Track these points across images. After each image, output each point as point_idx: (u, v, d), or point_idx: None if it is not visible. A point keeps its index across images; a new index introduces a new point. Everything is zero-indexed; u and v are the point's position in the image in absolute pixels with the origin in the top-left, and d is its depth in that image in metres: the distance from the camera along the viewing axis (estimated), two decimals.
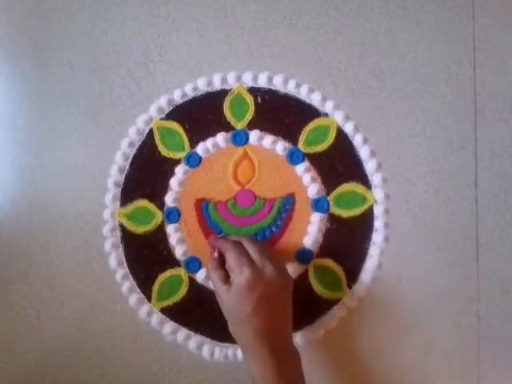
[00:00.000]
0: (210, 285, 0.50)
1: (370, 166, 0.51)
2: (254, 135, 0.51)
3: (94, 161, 0.51)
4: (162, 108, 0.51)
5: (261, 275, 0.43)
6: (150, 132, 0.51)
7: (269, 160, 0.51)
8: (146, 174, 0.51)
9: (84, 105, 0.51)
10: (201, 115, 0.51)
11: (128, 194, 0.51)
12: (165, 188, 0.51)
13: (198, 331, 0.51)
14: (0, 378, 0.51)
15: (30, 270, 0.51)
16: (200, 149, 0.51)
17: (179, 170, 0.51)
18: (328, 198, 0.51)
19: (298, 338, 0.50)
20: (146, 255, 0.51)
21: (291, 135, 0.51)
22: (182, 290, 0.51)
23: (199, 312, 0.51)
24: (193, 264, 0.51)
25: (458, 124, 0.51)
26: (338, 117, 0.51)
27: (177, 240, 0.51)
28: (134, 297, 0.51)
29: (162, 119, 0.51)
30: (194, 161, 0.51)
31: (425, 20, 0.51)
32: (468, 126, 0.51)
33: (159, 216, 0.51)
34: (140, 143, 0.51)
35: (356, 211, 0.51)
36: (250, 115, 0.51)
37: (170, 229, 0.51)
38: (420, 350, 0.51)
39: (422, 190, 0.51)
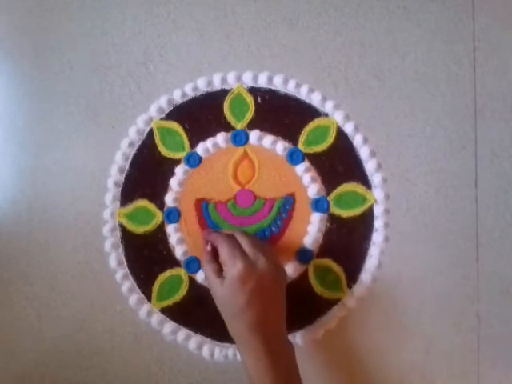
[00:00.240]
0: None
1: (370, 166, 0.51)
2: (253, 135, 0.51)
3: (93, 161, 0.51)
4: (162, 108, 0.51)
5: (254, 268, 0.43)
6: (150, 132, 0.51)
7: (269, 160, 0.51)
8: (146, 174, 0.51)
9: (84, 105, 0.51)
10: (201, 115, 0.51)
11: (128, 193, 0.51)
12: (165, 188, 0.51)
13: (198, 331, 0.51)
14: (0, 378, 0.51)
15: (30, 270, 0.51)
16: (200, 149, 0.51)
17: (179, 170, 0.51)
18: (328, 198, 0.51)
19: (298, 338, 0.50)
20: (146, 255, 0.51)
21: (291, 135, 0.51)
22: (182, 290, 0.51)
23: (199, 312, 0.51)
24: (193, 264, 0.51)
25: (458, 124, 0.51)
26: (337, 117, 0.51)
27: (177, 240, 0.51)
28: (134, 297, 0.51)
29: (161, 119, 0.51)
30: (193, 161, 0.51)
31: (425, 20, 0.51)
32: (468, 125, 0.51)
33: (159, 216, 0.51)
34: (140, 143, 0.51)
35: (356, 211, 0.51)
36: (250, 115, 0.51)
37: (170, 229, 0.51)
38: (420, 350, 0.51)
39: (422, 190, 0.51)
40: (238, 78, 0.51)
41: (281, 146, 0.51)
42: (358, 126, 0.51)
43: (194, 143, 0.51)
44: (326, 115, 0.51)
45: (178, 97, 0.51)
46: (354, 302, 0.51)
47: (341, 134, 0.51)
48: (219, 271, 0.45)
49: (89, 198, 0.51)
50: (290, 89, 0.51)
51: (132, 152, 0.51)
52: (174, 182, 0.51)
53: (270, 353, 0.42)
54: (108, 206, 0.51)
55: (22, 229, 0.51)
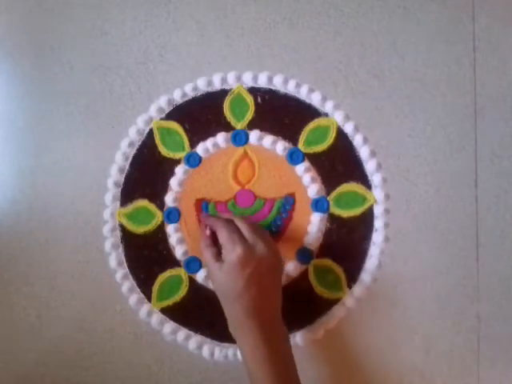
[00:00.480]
0: (210, 285, 0.50)
1: (370, 166, 0.51)
2: (253, 135, 0.51)
3: (93, 161, 0.51)
4: (162, 108, 0.51)
5: (252, 252, 0.43)
6: (150, 132, 0.51)
7: (269, 160, 0.51)
8: (146, 174, 0.51)
9: (84, 105, 0.51)
10: (201, 115, 0.51)
11: (128, 194, 0.51)
12: (165, 188, 0.51)
13: (198, 331, 0.51)
14: (0, 378, 0.51)
15: (30, 270, 0.51)
16: (200, 149, 0.51)
17: (179, 169, 0.51)
18: (328, 198, 0.51)
19: (298, 338, 0.50)
20: (146, 255, 0.51)
21: (291, 135, 0.51)
22: (182, 290, 0.51)
23: (199, 312, 0.51)
24: (193, 264, 0.51)
25: (457, 124, 0.51)
26: (338, 117, 0.51)
27: (177, 240, 0.51)
28: (134, 297, 0.51)
29: (161, 119, 0.51)
30: (193, 161, 0.51)
31: (425, 20, 0.51)
32: (468, 125, 0.51)
33: (159, 216, 0.51)
34: (140, 143, 0.51)
35: (356, 211, 0.51)
36: (250, 115, 0.51)
37: (170, 229, 0.51)
38: (420, 350, 0.51)
39: (422, 190, 0.51)
40: (238, 78, 0.51)
41: (281, 146, 0.51)
42: (358, 126, 0.51)
43: (194, 143, 0.51)
44: (326, 115, 0.51)
45: (177, 97, 0.51)
46: (353, 301, 0.51)
47: (341, 134, 0.51)
48: (218, 255, 0.45)
49: (89, 198, 0.51)
50: (290, 89, 0.51)
51: (132, 152, 0.51)
52: (173, 182, 0.51)
53: (265, 336, 0.42)
54: (108, 206, 0.51)
55: (21, 229, 0.51)
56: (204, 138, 0.51)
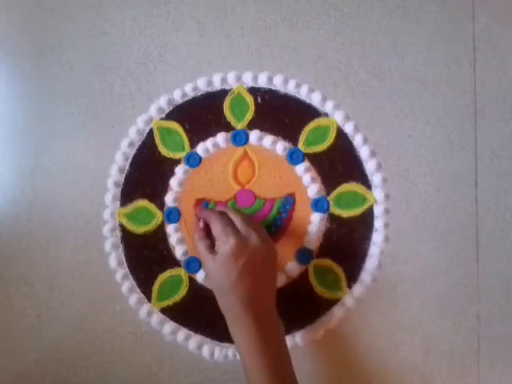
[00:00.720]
0: (209, 285, 0.50)
1: (370, 166, 0.51)
2: (253, 135, 0.51)
3: (93, 161, 0.51)
4: (162, 108, 0.51)
5: (246, 244, 0.44)
6: (150, 132, 0.51)
7: (269, 160, 0.51)
8: (146, 174, 0.51)
9: (84, 105, 0.51)
10: (201, 115, 0.51)
11: (128, 194, 0.51)
12: (165, 188, 0.51)
13: (198, 331, 0.51)
14: (0, 378, 0.51)
15: (30, 270, 0.51)
16: (200, 149, 0.51)
17: (179, 169, 0.51)
18: (328, 198, 0.51)
19: (298, 338, 0.50)
20: (146, 255, 0.51)
21: (291, 135, 0.51)
22: (182, 290, 0.51)
23: (199, 312, 0.51)
24: (193, 264, 0.51)
25: (457, 124, 0.51)
26: (338, 117, 0.51)
27: (177, 240, 0.51)
28: (134, 297, 0.51)
29: (162, 119, 0.51)
30: (193, 161, 0.51)
31: (425, 20, 0.51)
32: (468, 125, 0.51)
33: (159, 216, 0.51)
34: (140, 143, 0.51)
35: (356, 211, 0.51)
36: (250, 115, 0.51)
37: (170, 229, 0.51)
38: (420, 350, 0.51)
39: (422, 190, 0.51)
40: (238, 78, 0.51)
41: (281, 146, 0.51)
42: (358, 126, 0.51)
43: (194, 143, 0.51)
44: (326, 115, 0.51)
45: (177, 97, 0.51)
46: (353, 301, 0.51)
47: (341, 134, 0.51)
48: (211, 247, 0.45)
49: (89, 198, 0.51)
50: (290, 89, 0.51)
51: (132, 152, 0.51)
52: (173, 182, 0.51)
53: (260, 327, 0.42)
54: (108, 205, 0.51)
55: (21, 229, 0.51)
56: (204, 138, 0.51)
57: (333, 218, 0.51)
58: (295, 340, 0.50)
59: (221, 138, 0.51)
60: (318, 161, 0.51)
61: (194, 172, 0.51)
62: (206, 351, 0.50)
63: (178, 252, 0.51)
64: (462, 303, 0.51)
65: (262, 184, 0.51)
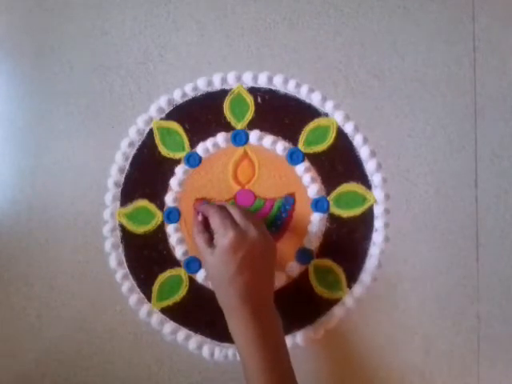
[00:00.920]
0: (210, 285, 0.50)
1: (370, 165, 0.51)
2: (253, 135, 0.51)
3: (93, 161, 0.51)
4: (162, 108, 0.51)
5: (244, 237, 0.43)
6: (150, 132, 0.51)
7: (269, 160, 0.51)
8: (146, 174, 0.51)
9: (84, 105, 0.51)
10: (201, 115, 0.51)
11: (128, 194, 0.51)
12: (165, 188, 0.51)
13: (198, 331, 0.51)
14: (0, 378, 0.51)
15: (30, 270, 0.51)
16: (200, 149, 0.51)
17: (179, 169, 0.51)
18: (328, 198, 0.51)
19: (298, 338, 0.50)
20: (146, 255, 0.51)
21: (291, 135, 0.51)
22: (182, 290, 0.51)
23: (199, 312, 0.51)
24: (193, 264, 0.51)
25: (457, 124, 0.51)
26: (338, 117, 0.51)
27: (177, 240, 0.51)
28: (134, 297, 0.51)
29: (162, 119, 0.51)
30: (193, 161, 0.51)
31: (425, 20, 0.51)
32: (468, 125, 0.51)
33: (159, 216, 0.51)
34: (140, 143, 0.51)
35: (356, 211, 0.51)
36: (250, 115, 0.51)
37: (170, 229, 0.51)
38: (420, 350, 0.51)
39: (422, 190, 0.51)
40: (238, 78, 0.51)
41: (281, 146, 0.51)
42: (358, 126, 0.51)
43: (194, 143, 0.51)
44: (326, 115, 0.51)
45: (177, 97, 0.51)
46: (353, 301, 0.51)
47: (341, 134, 0.51)
48: (210, 240, 0.45)
49: (89, 198, 0.51)
50: (290, 89, 0.51)
51: (132, 152, 0.51)
52: (173, 182, 0.51)
53: (258, 321, 0.42)
54: (108, 205, 0.51)
55: (21, 229, 0.51)
56: (204, 138, 0.51)
57: (333, 218, 0.51)
58: (295, 340, 0.50)
59: (221, 138, 0.51)
60: (318, 161, 0.51)
61: (194, 172, 0.51)
62: (206, 351, 0.50)
63: (178, 252, 0.51)
64: (462, 303, 0.51)
65: (262, 184, 0.51)
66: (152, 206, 0.51)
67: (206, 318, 0.50)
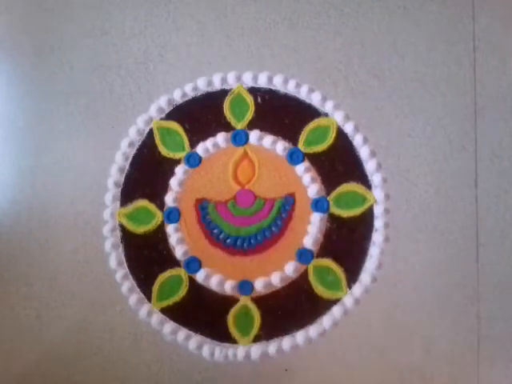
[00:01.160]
0: (210, 284, 0.50)
1: (370, 166, 0.51)
2: (253, 135, 0.51)
3: (93, 161, 0.51)
4: (162, 108, 0.51)
5: None
6: (150, 132, 0.51)
7: (269, 160, 0.51)
8: (146, 174, 0.51)
9: (84, 105, 0.51)
10: (201, 115, 0.51)
11: (128, 194, 0.51)
12: (165, 188, 0.51)
13: (198, 331, 0.51)
14: (0, 378, 0.51)
15: (30, 270, 0.51)
16: (200, 149, 0.51)
17: (179, 169, 0.51)
18: (328, 198, 0.51)
19: (298, 338, 0.50)
20: (146, 255, 0.51)
21: (291, 135, 0.51)
22: (182, 290, 0.51)
23: (199, 312, 0.50)
24: (193, 264, 0.51)
25: (457, 124, 0.51)
26: (338, 117, 0.51)
27: (177, 240, 0.51)
28: (134, 297, 0.51)
29: (161, 119, 0.51)
30: (193, 161, 0.51)
31: (425, 20, 0.51)
32: (468, 125, 0.51)
33: (159, 216, 0.51)
34: (140, 143, 0.51)
35: (356, 211, 0.51)
36: (250, 115, 0.51)
37: (170, 229, 0.51)
38: (420, 350, 0.51)
39: (422, 190, 0.51)
40: (238, 78, 0.51)
41: (281, 146, 0.51)
42: (358, 126, 0.51)
43: (194, 143, 0.51)
44: (326, 115, 0.51)
45: (178, 97, 0.51)
46: (353, 302, 0.51)
47: (341, 134, 0.51)
48: None
49: (89, 198, 0.51)
50: (290, 89, 0.51)
51: (132, 152, 0.51)
52: (174, 182, 0.51)
53: None
54: (108, 205, 0.51)
55: (21, 229, 0.51)
56: (204, 138, 0.51)
57: (333, 218, 0.51)
58: (295, 340, 0.50)
59: (221, 137, 0.51)
60: (318, 161, 0.51)
61: (194, 172, 0.51)
62: (206, 351, 0.50)
63: (178, 252, 0.51)
64: (462, 303, 0.51)
65: (261, 184, 0.51)
66: (152, 206, 0.51)
67: (206, 318, 0.50)
